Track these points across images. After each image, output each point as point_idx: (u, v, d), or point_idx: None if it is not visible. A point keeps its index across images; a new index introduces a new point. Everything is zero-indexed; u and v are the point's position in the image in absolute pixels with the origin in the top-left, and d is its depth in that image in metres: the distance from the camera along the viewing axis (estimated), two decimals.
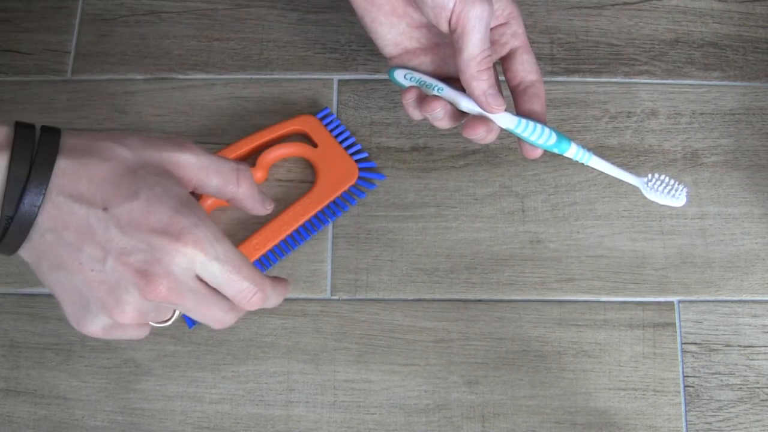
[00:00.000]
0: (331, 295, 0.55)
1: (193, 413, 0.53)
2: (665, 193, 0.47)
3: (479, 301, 0.55)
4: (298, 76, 0.61)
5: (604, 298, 0.55)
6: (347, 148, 0.58)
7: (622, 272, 0.55)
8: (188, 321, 0.54)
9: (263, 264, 0.55)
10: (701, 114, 0.59)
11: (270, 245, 0.55)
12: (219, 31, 0.62)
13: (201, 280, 0.38)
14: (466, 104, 0.48)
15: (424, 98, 0.49)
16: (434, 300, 0.55)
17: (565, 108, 0.59)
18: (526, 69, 0.48)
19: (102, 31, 0.62)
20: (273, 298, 0.41)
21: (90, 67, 0.61)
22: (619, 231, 0.56)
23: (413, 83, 0.50)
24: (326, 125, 0.58)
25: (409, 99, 0.49)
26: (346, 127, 0.58)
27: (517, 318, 0.54)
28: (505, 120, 0.47)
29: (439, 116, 0.48)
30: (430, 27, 0.49)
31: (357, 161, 0.57)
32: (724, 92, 0.60)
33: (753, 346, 0.54)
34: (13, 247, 0.37)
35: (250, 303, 0.40)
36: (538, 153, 0.48)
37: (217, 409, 0.53)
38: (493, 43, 0.48)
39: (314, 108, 0.59)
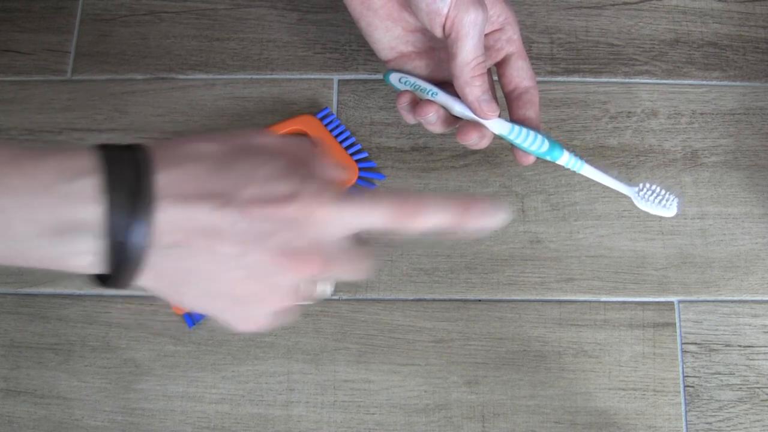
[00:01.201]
0: (332, 295, 0.55)
1: (193, 413, 0.53)
2: (656, 202, 0.46)
3: (479, 301, 0.55)
4: (298, 76, 0.61)
5: (604, 298, 0.55)
6: (347, 148, 0.58)
7: (622, 272, 0.55)
8: (188, 321, 0.54)
9: None
10: (701, 114, 0.59)
11: None
12: (219, 31, 0.62)
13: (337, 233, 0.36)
14: (460, 109, 0.48)
15: (417, 102, 0.49)
16: (434, 300, 0.55)
17: (565, 108, 0.59)
18: (520, 75, 0.48)
19: (102, 31, 0.62)
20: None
21: (90, 67, 0.61)
22: (619, 231, 0.56)
23: (407, 87, 0.50)
24: (326, 125, 0.58)
25: (403, 103, 0.49)
26: (346, 126, 0.58)
27: (517, 318, 0.54)
28: (499, 126, 0.47)
29: (432, 120, 0.48)
30: (426, 31, 0.49)
31: (357, 161, 0.57)
32: (724, 92, 0.60)
33: (753, 346, 0.54)
34: (128, 279, 0.33)
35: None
36: (531, 159, 0.48)
37: (217, 409, 0.53)
38: (487, 48, 0.48)
39: (314, 108, 0.59)
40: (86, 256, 0.32)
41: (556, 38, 0.61)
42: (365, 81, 0.60)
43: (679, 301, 0.55)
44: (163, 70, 0.61)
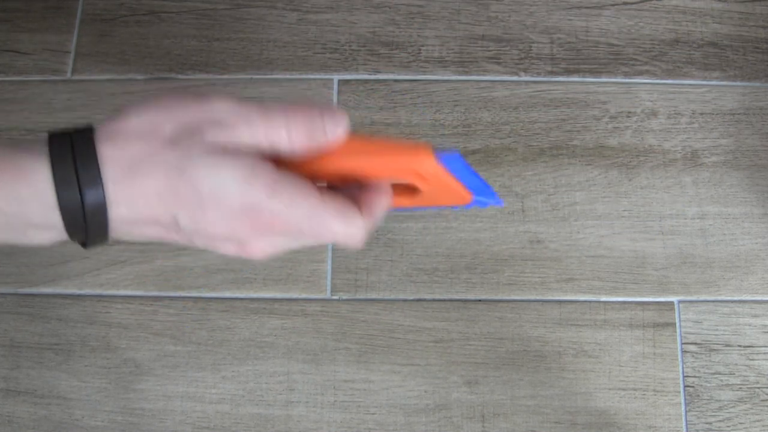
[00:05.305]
0: (331, 295, 0.55)
1: (193, 413, 0.53)
2: None
3: (479, 301, 0.55)
4: (298, 76, 0.61)
5: (604, 298, 0.55)
6: None
7: (622, 272, 0.55)
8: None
9: None
10: (701, 114, 0.59)
11: None
12: (219, 31, 0.62)
13: None
14: None
15: None
16: (434, 300, 0.55)
17: (565, 108, 0.59)
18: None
19: (102, 31, 0.62)
20: None
21: (90, 67, 0.61)
22: (619, 231, 0.56)
23: None
24: None
25: None
26: None
27: (517, 318, 0.54)
28: None
29: None
30: None
31: None
32: (724, 92, 0.60)
33: (753, 346, 0.54)
34: (103, 229, 0.36)
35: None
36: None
37: (217, 409, 0.53)
38: None
39: None
40: (52, 215, 0.35)
41: (556, 38, 0.61)
42: (365, 81, 0.60)
43: (679, 301, 0.55)
44: (163, 70, 0.61)
